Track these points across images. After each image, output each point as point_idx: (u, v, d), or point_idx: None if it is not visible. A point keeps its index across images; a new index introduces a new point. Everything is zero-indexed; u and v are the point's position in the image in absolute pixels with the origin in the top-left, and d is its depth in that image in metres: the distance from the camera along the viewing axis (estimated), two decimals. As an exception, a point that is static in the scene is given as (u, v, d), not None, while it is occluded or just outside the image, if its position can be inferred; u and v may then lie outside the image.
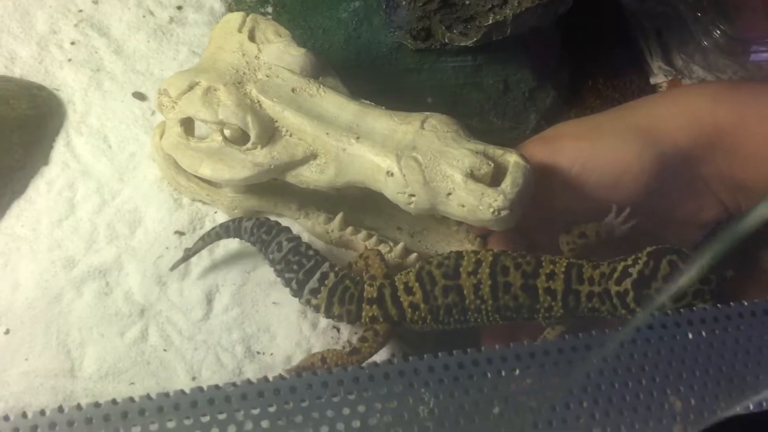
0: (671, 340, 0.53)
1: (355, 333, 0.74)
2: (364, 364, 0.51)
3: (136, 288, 0.73)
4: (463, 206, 0.65)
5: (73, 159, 0.79)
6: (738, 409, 0.52)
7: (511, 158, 0.66)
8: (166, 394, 0.47)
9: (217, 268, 0.75)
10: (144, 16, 0.90)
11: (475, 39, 0.81)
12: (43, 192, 0.77)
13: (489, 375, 0.51)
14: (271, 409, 0.48)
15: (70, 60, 0.85)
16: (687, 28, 0.97)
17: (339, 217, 0.76)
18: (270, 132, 0.70)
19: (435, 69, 0.87)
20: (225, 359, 0.71)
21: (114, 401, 0.46)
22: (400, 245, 0.75)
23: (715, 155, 0.71)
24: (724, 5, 0.96)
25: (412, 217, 0.71)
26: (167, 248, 0.75)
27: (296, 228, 0.75)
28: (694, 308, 0.56)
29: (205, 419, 0.47)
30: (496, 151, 0.67)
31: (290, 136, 0.70)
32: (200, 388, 0.47)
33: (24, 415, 0.46)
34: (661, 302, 0.62)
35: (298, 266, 0.70)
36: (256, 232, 0.72)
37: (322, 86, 0.71)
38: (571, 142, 0.73)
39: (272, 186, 0.76)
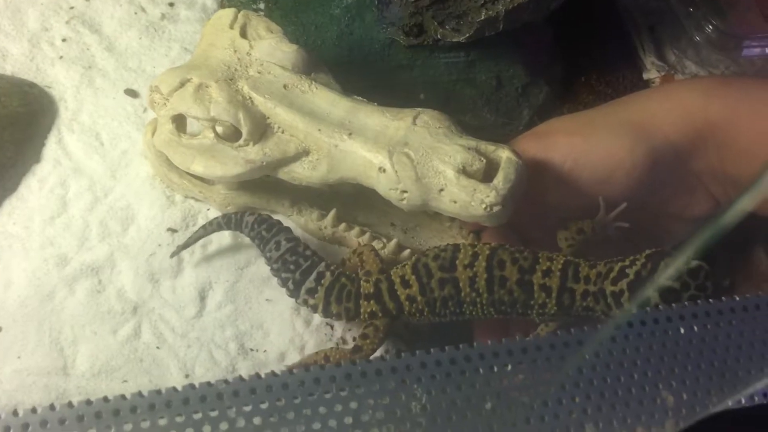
0: (663, 335, 0.53)
1: (349, 330, 0.74)
2: (356, 361, 0.51)
3: (129, 285, 0.73)
4: (455, 202, 0.65)
5: (65, 156, 0.79)
6: (729, 404, 0.52)
7: (504, 154, 0.66)
8: (158, 392, 0.47)
9: (210, 265, 0.75)
10: (136, 13, 0.89)
11: (467, 35, 0.81)
12: (35, 190, 0.76)
13: (481, 371, 0.51)
14: (263, 406, 0.48)
15: (61, 57, 0.84)
16: (679, 23, 0.97)
17: (332, 213, 0.76)
18: (262, 129, 0.70)
19: (427, 65, 0.86)
20: (218, 356, 0.71)
21: (105, 399, 0.46)
22: (394, 241, 0.75)
23: (707, 150, 0.71)
24: (716, 0, 0.96)
25: (404, 213, 0.71)
26: (160, 245, 0.75)
27: (289, 224, 0.75)
28: (686, 303, 0.56)
29: (197, 416, 0.47)
30: (488, 147, 0.67)
31: (282, 132, 0.70)
32: (192, 385, 0.47)
33: (15, 413, 0.45)
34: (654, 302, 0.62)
35: (295, 266, 0.70)
36: (257, 228, 0.72)
37: (314, 82, 0.71)
38: (563, 137, 0.73)
39: (265, 183, 0.75)
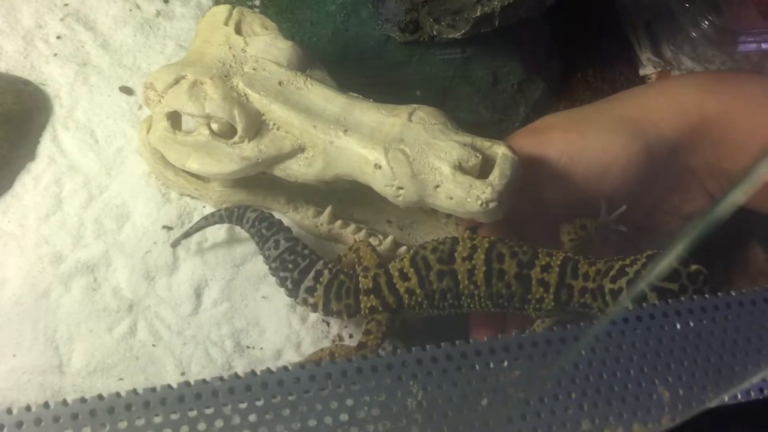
0: (659, 331, 0.53)
1: (345, 326, 0.74)
2: (352, 358, 0.51)
3: (125, 283, 0.73)
4: (451, 198, 0.64)
5: (60, 154, 0.78)
6: (725, 399, 0.52)
7: (499, 150, 0.66)
8: (153, 389, 0.47)
9: (205, 262, 0.75)
10: (131, 10, 0.89)
11: (463, 31, 0.81)
12: (30, 187, 0.76)
13: (477, 367, 0.51)
14: (259, 403, 0.47)
15: (56, 54, 0.84)
16: (676, 19, 0.97)
17: (328, 210, 0.76)
18: (257, 125, 0.70)
19: (423, 61, 0.86)
20: (214, 354, 0.71)
21: (100, 396, 0.46)
22: (390, 238, 0.75)
23: (702, 146, 0.71)
24: (712, -4, 0.96)
25: (401, 209, 0.71)
26: (155, 243, 0.75)
27: (285, 222, 0.75)
28: (682, 299, 0.56)
29: (192, 414, 0.46)
30: (484, 143, 0.67)
31: (277, 129, 0.70)
32: (187, 383, 0.47)
33: (9, 411, 0.45)
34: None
35: (293, 265, 0.70)
36: (257, 225, 0.71)
37: (309, 79, 0.71)
38: (559, 133, 0.73)
39: (260, 180, 0.75)
